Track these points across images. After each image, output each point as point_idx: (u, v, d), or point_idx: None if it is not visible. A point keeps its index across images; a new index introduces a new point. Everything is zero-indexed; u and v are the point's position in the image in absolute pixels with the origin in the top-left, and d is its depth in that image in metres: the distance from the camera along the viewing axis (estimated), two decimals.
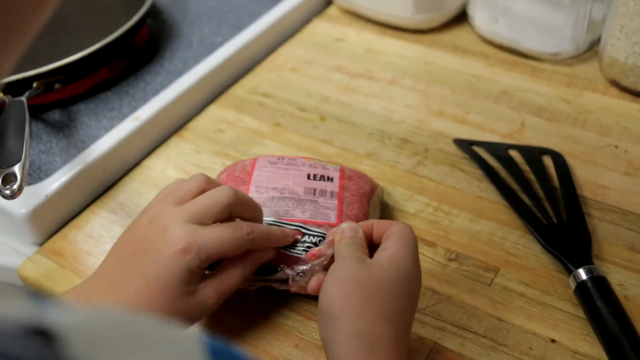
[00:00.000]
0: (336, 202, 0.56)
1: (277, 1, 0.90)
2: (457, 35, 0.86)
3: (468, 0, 0.84)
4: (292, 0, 0.89)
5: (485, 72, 0.79)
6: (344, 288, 0.44)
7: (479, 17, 0.82)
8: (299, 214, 0.55)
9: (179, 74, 0.78)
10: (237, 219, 0.51)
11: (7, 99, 0.67)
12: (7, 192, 0.56)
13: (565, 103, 0.74)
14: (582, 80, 0.77)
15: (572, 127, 0.71)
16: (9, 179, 0.56)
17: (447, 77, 0.79)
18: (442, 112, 0.74)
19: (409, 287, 0.46)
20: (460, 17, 0.87)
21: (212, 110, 0.76)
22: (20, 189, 0.56)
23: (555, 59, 0.79)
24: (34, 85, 0.70)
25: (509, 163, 0.66)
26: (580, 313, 0.52)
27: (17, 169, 0.57)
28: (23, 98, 0.67)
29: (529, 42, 0.79)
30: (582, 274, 0.53)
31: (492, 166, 0.66)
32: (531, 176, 0.65)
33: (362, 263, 0.46)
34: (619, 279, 0.55)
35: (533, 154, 0.67)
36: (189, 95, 0.76)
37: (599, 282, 0.52)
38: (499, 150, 0.68)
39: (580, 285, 0.52)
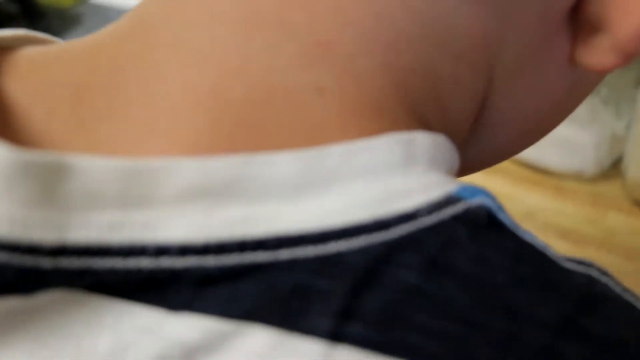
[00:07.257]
0: None
1: None
2: None
3: None
4: None
5: (510, 191, 0.80)
6: None
7: None
8: None
9: None
10: None
11: None
12: None
13: (590, 224, 0.75)
14: (606, 198, 0.78)
15: (598, 251, 0.71)
16: None
17: None
18: None
19: None
20: None
21: None
22: None
23: (578, 177, 0.80)
24: None
25: None
26: None
27: None
28: None
29: (551, 160, 0.81)
30: None
31: None
32: None
33: None
34: None
35: None
36: None
37: None
38: None
39: None
